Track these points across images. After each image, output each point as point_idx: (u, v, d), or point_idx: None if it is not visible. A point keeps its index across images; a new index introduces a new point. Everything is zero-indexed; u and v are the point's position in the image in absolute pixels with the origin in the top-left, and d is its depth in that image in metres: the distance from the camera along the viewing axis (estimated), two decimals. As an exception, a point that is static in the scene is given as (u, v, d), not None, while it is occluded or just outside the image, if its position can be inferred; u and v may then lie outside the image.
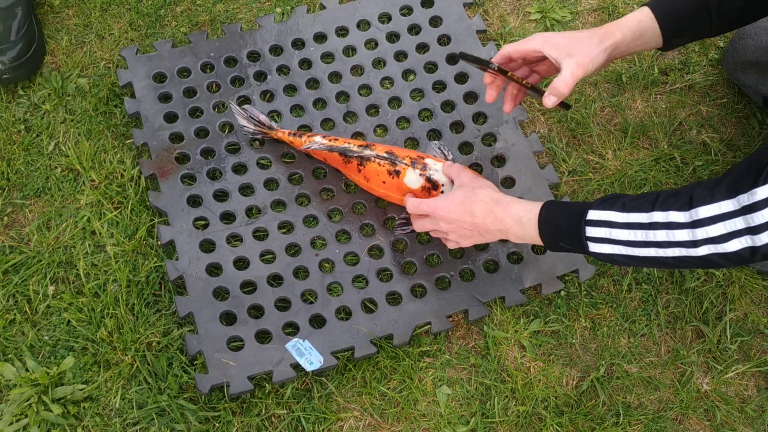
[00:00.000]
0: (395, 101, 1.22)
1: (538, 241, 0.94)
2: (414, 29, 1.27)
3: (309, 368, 1.02)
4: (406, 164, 1.06)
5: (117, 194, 1.15)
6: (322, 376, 1.04)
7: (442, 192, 1.05)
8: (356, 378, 1.04)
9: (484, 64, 0.98)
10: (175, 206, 1.11)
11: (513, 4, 1.32)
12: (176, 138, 1.17)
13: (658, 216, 0.81)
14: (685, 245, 0.80)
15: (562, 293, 1.10)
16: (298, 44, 1.26)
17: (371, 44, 1.27)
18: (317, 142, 1.11)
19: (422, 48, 1.26)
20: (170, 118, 1.19)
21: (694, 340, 1.08)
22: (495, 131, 1.19)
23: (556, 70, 0.97)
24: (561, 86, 0.93)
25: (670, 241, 0.81)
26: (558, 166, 1.19)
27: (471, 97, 1.22)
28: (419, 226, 1.04)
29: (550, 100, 0.95)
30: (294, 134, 1.14)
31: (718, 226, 0.77)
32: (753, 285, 1.11)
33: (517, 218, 0.94)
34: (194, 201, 1.13)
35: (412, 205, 1.03)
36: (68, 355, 1.05)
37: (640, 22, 0.97)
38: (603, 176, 1.18)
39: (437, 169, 1.06)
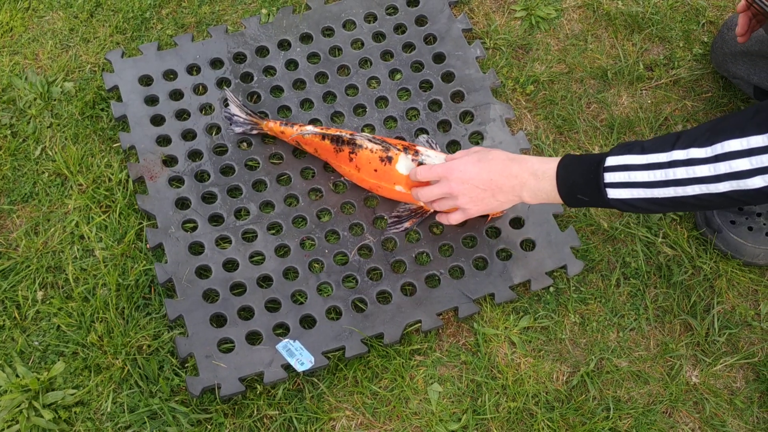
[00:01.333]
0: (382, 101, 1.22)
1: (555, 196, 0.92)
2: (400, 28, 1.28)
3: (300, 369, 1.02)
4: (398, 150, 1.07)
5: (105, 198, 1.14)
6: (314, 376, 1.04)
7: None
8: (347, 377, 1.04)
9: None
10: (163, 209, 1.11)
11: (498, 2, 1.33)
12: (163, 141, 1.17)
13: (678, 154, 0.81)
14: (706, 181, 0.79)
15: (551, 289, 1.10)
16: (284, 45, 1.26)
17: (357, 44, 1.27)
18: (309, 130, 1.11)
19: (408, 47, 1.26)
20: (157, 120, 1.18)
21: (683, 333, 1.09)
22: (482, 129, 1.19)
23: None
24: None
25: (691, 178, 0.80)
26: (545, 162, 1.19)
27: (458, 95, 1.23)
28: (427, 194, 1.02)
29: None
30: (285, 124, 1.14)
31: (743, 161, 0.76)
32: (740, 278, 1.12)
33: (533, 171, 0.93)
34: (182, 203, 1.13)
35: (424, 170, 1.01)
36: (58, 360, 1.04)
37: None
38: (590, 172, 1.19)
39: (429, 155, 1.07)
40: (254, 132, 1.16)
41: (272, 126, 1.14)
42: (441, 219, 1.06)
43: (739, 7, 1.05)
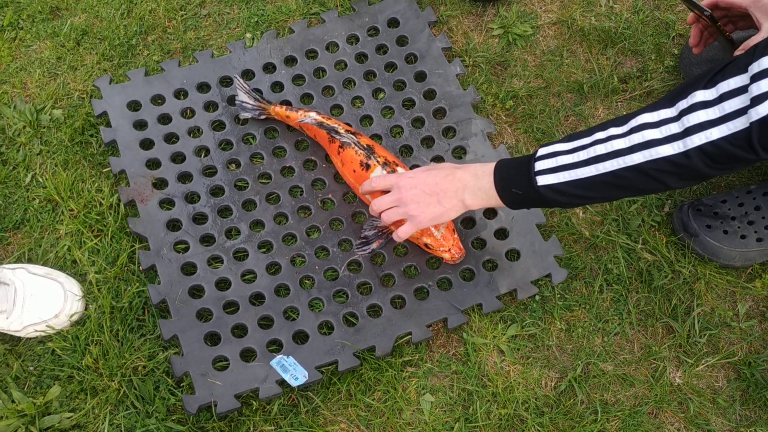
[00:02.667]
0: (367, 119, 1.26)
1: (493, 194, 0.97)
2: (381, 49, 1.31)
3: (294, 383, 1.04)
4: (378, 162, 1.11)
5: (96, 222, 1.16)
6: (308, 390, 1.06)
7: None
8: (341, 391, 1.06)
9: (699, 10, 1.05)
10: (155, 231, 1.13)
11: (476, 21, 1.37)
12: (153, 164, 1.19)
13: (599, 134, 0.87)
14: (622, 153, 0.85)
15: (537, 297, 1.13)
16: (269, 68, 1.29)
17: (341, 65, 1.30)
18: (311, 117, 1.18)
19: (390, 67, 1.30)
20: (146, 144, 1.21)
21: (665, 335, 1.12)
22: (464, 144, 1.23)
23: (749, 26, 1.05)
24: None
25: (609, 153, 0.86)
26: (527, 174, 1.23)
27: (440, 112, 1.26)
28: (380, 203, 1.06)
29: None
30: (290, 109, 1.20)
31: (654, 131, 0.83)
32: (717, 280, 1.15)
33: (474, 173, 0.99)
34: (173, 225, 1.15)
35: (377, 179, 1.08)
36: (54, 384, 1.05)
37: None
38: (570, 183, 1.22)
39: None
40: (262, 117, 1.22)
41: (278, 111, 1.21)
42: (394, 237, 1.07)
43: (689, 19, 1.13)
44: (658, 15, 1.38)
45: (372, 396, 1.07)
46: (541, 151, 0.92)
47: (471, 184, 0.99)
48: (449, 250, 1.11)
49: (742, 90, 0.79)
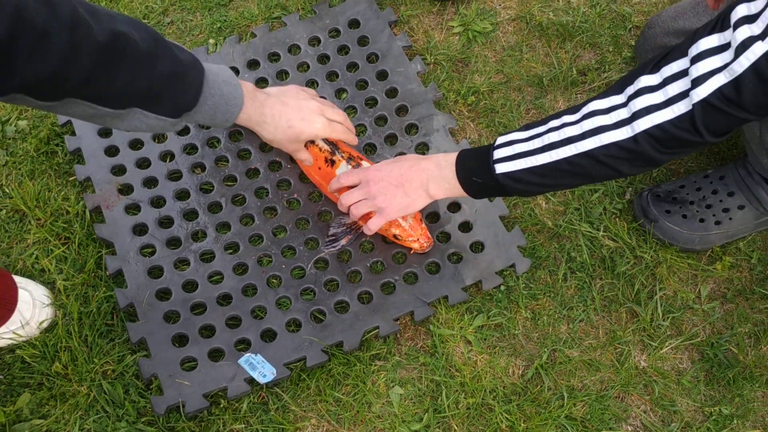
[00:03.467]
0: (330, 119, 1.27)
1: (456, 184, 0.99)
2: (343, 50, 1.33)
3: (262, 381, 1.05)
4: (342, 157, 1.12)
5: (64, 230, 1.17)
6: (277, 388, 1.07)
7: None
8: (310, 387, 1.07)
9: None
10: (121, 236, 1.14)
11: (436, 19, 1.39)
12: (118, 170, 1.20)
13: (553, 123, 0.90)
14: (575, 140, 0.87)
15: (502, 288, 1.15)
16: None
17: (303, 67, 1.32)
18: None
19: (352, 67, 1.32)
20: (111, 151, 1.22)
21: (629, 320, 1.14)
22: (427, 140, 1.25)
23: None
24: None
25: (562, 140, 0.88)
26: (489, 168, 1.25)
27: (402, 109, 1.28)
28: (348, 198, 1.07)
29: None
30: None
31: (604, 117, 0.85)
32: (679, 264, 1.17)
33: (438, 162, 1.01)
34: (140, 230, 1.16)
35: (345, 175, 1.08)
36: (24, 391, 1.06)
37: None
38: (532, 174, 1.24)
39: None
40: None
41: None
42: (364, 230, 1.10)
43: None
44: (614, 8, 1.40)
45: (341, 390, 1.08)
46: (500, 140, 0.94)
47: (435, 174, 1.01)
48: (418, 239, 1.12)
49: (683, 73, 0.81)
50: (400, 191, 1.03)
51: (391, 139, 1.26)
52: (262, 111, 1.01)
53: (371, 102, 1.29)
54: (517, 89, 1.32)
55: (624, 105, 0.85)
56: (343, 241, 1.14)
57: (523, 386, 1.09)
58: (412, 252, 1.15)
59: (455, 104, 1.30)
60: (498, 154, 0.94)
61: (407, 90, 1.29)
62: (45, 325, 1.10)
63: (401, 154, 1.23)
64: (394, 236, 1.13)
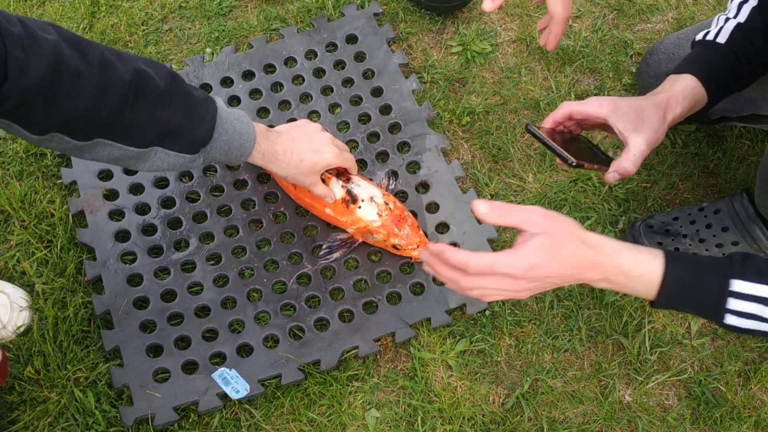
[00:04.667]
0: (322, 133, 1.26)
1: (642, 295, 0.81)
2: (339, 65, 1.32)
3: (235, 396, 1.02)
4: (330, 175, 1.11)
5: (47, 233, 1.16)
6: (251, 405, 1.05)
7: (360, 208, 1.09)
8: (284, 405, 1.05)
9: (561, 158, 0.89)
10: (103, 241, 1.13)
11: (435, 38, 1.38)
12: (106, 175, 1.19)
13: None
14: None
15: (487, 312, 1.13)
16: (227, 82, 1.30)
17: (298, 80, 1.31)
18: None
19: (347, 82, 1.30)
20: (100, 156, 1.21)
21: (615, 352, 1.11)
22: (419, 159, 1.23)
23: (606, 129, 0.95)
24: (629, 166, 0.90)
25: None
26: (481, 190, 1.23)
27: (395, 127, 1.26)
28: (473, 282, 0.78)
29: (613, 177, 0.92)
30: None
31: None
32: (670, 297, 1.14)
33: (624, 270, 0.79)
34: (122, 236, 1.15)
35: (455, 257, 0.76)
36: (-6, 395, 1.04)
37: (693, 90, 0.96)
38: (524, 198, 1.22)
39: (359, 184, 1.11)
40: None
41: None
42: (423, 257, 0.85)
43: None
44: (616, 34, 1.39)
45: (316, 411, 1.05)
46: (738, 287, 0.78)
47: (620, 282, 0.80)
48: (417, 246, 1.11)
49: None
50: (554, 284, 0.80)
51: (383, 156, 1.24)
52: (275, 149, 1.01)
53: (364, 118, 1.27)
54: (513, 111, 1.31)
55: None
56: (337, 254, 1.13)
57: (502, 415, 1.06)
58: (412, 261, 1.13)
59: (450, 124, 1.29)
60: (737, 305, 0.78)
61: (401, 108, 1.27)
62: (22, 329, 1.08)
63: (392, 171, 1.22)
64: (394, 246, 1.12)
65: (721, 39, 1.00)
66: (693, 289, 0.79)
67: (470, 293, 0.79)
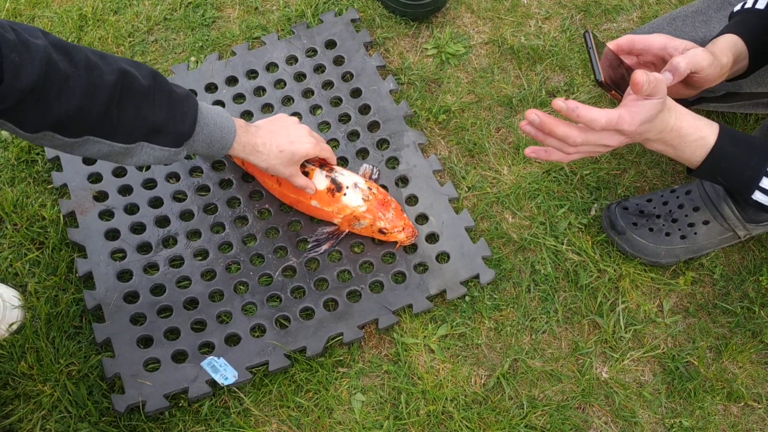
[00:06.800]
0: (304, 134, 1.30)
1: (688, 162, 0.92)
2: (319, 68, 1.38)
3: (224, 383, 1.06)
4: (314, 166, 1.16)
5: (39, 235, 1.20)
6: (240, 391, 1.08)
7: (345, 195, 1.13)
8: (272, 392, 1.08)
9: (593, 70, 0.90)
10: (93, 240, 1.16)
11: (411, 42, 1.44)
12: (95, 178, 1.24)
13: None
14: None
15: (467, 298, 1.16)
16: (211, 88, 1.35)
17: (280, 84, 1.36)
18: None
19: (327, 85, 1.36)
20: (89, 160, 1.25)
21: (591, 332, 1.15)
22: (397, 155, 1.28)
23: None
24: (682, 62, 0.93)
25: None
26: (458, 183, 1.27)
27: (374, 125, 1.31)
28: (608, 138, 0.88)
29: (666, 76, 0.95)
30: None
31: None
32: (642, 278, 1.19)
33: (684, 133, 0.90)
34: (112, 235, 1.18)
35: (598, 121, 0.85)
36: (-12, 390, 1.07)
37: (735, 44, 0.99)
38: (500, 189, 1.27)
39: (342, 173, 1.16)
40: None
41: None
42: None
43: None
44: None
45: (303, 396, 1.08)
46: None
47: (675, 143, 0.91)
48: (403, 229, 1.15)
49: None
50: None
51: (363, 153, 1.29)
52: (255, 141, 1.06)
53: (344, 118, 1.32)
54: (487, 108, 1.36)
55: None
56: (325, 246, 1.18)
57: (484, 395, 1.10)
58: (398, 246, 1.17)
59: (427, 122, 1.34)
60: (766, 183, 0.89)
61: (380, 107, 1.32)
62: (15, 327, 1.11)
63: (373, 165, 1.26)
64: (380, 231, 1.16)
65: (760, 5, 1.03)
66: (736, 162, 0.89)
67: (577, 152, 0.90)
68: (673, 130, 0.90)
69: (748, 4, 1.05)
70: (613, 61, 0.94)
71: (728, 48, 1.00)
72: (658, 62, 1.02)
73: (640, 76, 0.84)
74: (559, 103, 0.86)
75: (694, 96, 1.24)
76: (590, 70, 0.91)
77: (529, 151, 0.95)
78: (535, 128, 0.91)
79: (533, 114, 0.89)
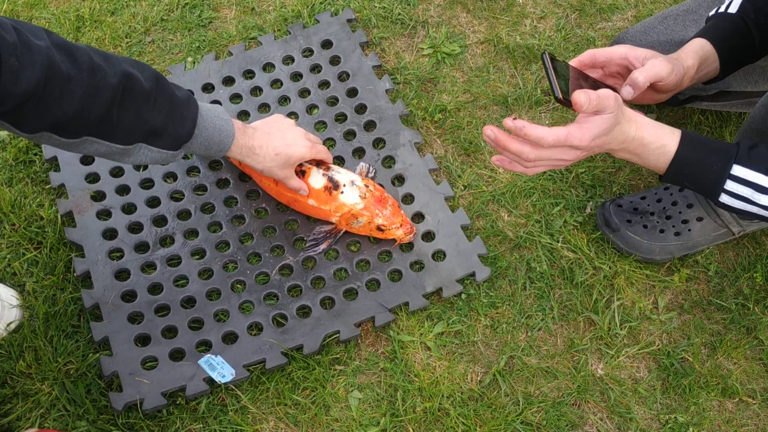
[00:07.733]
0: (301, 133, 1.31)
1: (652, 167, 0.93)
2: (316, 68, 1.38)
3: (221, 381, 1.06)
4: (311, 165, 1.16)
5: (36, 235, 1.20)
6: (237, 389, 1.08)
7: (342, 193, 1.14)
8: (269, 389, 1.09)
9: (551, 90, 0.91)
10: (91, 239, 1.17)
11: (407, 42, 1.45)
12: (93, 179, 1.24)
13: None
14: None
15: (463, 296, 1.17)
16: (208, 88, 1.35)
17: (277, 84, 1.37)
18: None
19: (324, 85, 1.36)
20: (87, 160, 1.26)
21: (587, 329, 1.16)
22: (393, 154, 1.28)
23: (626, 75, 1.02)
24: (639, 77, 0.95)
25: None
26: (454, 182, 1.28)
27: (370, 125, 1.32)
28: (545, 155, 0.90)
29: (626, 91, 0.97)
30: None
31: None
32: (637, 275, 1.19)
33: (645, 142, 0.91)
34: (110, 234, 1.19)
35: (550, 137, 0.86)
36: (-13, 389, 1.08)
37: (702, 47, 1.02)
38: (495, 188, 1.28)
39: (339, 171, 1.17)
40: None
41: None
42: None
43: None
44: (579, 33, 1.46)
45: (300, 393, 1.09)
46: (738, 171, 0.89)
47: (638, 152, 0.92)
48: (400, 225, 1.16)
49: None
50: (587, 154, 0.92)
51: (359, 153, 1.30)
52: (251, 143, 1.07)
53: (341, 117, 1.33)
54: (483, 107, 1.37)
55: None
56: (324, 245, 1.18)
57: (480, 392, 1.10)
58: (396, 244, 1.18)
59: (423, 121, 1.35)
60: (733, 187, 0.90)
61: (376, 106, 1.33)
62: (13, 327, 1.12)
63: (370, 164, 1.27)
64: (378, 228, 1.16)
65: (732, 9, 1.05)
66: (699, 167, 0.90)
67: (534, 165, 0.92)
68: (635, 139, 0.91)
69: (722, 8, 1.07)
70: (576, 78, 0.96)
71: (694, 52, 1.02)
72: (624, 71, 1.04)
73: (577, 96, 0.85)
74: (508, 122, 0.89)
75: (686, 95, 1.25)
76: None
77: (495, 159, 0.97)
78: (493, 142, 0.92)
79: (489, 130, 0.91)
